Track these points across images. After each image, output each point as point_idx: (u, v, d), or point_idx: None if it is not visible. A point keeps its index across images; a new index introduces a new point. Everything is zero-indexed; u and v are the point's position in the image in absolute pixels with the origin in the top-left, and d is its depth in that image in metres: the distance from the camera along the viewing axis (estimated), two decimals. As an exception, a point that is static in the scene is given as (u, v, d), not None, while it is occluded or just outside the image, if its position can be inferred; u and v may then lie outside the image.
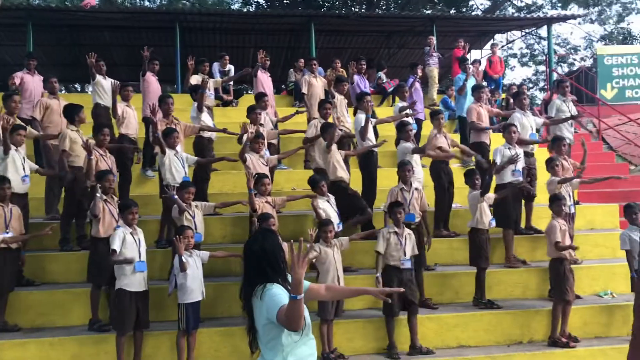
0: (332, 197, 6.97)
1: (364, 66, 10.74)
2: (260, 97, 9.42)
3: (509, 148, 7.78)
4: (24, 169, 6.98)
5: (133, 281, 5.77)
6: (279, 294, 2.99)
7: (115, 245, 5.69)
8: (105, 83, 9.35)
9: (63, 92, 8.89)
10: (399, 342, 6.27)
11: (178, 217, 6.47)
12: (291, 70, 14.02)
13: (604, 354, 6.48)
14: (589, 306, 7.03)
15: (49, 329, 6.27)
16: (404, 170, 7.06)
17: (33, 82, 9.64)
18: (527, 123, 8.44)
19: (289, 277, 3.04)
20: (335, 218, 6.70)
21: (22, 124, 7.58)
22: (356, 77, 10.50)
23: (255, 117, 8.33)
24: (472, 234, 7.17)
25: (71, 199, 7.24)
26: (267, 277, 3.07)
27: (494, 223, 7.19)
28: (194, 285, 5.83)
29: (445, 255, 7.75)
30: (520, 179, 7.71)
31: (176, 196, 6.42)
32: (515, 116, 8.50)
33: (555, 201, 6.86)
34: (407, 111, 8.87)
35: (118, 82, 8.66)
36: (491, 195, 7.33)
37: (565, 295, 6.52)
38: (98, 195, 6.22)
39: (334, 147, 7.50)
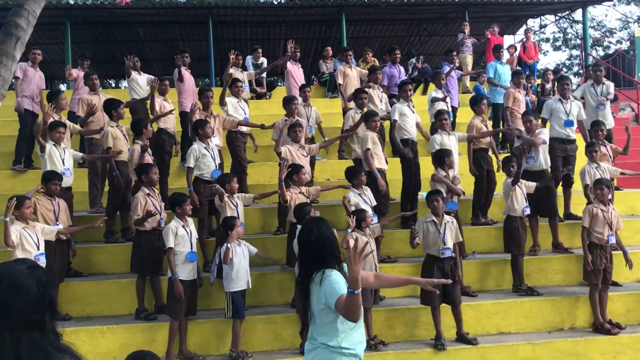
0: (368, 190, 6.92)
1: (399, 56, 10.69)
2: (300, 88, 9.60)
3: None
4: (63, 163, 7.16)
5: (184, 270, 5.94)
6: (338, 281, 3.09)
7: (170, 242, 5.88)
8: (141, 79, 9.55)
9: (99, 88, 9.29)
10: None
11: (220, 205, 6.60)
12: (321, 61, 14.04)
13: (647, 340, 6.41)
14: (631, 293, 6.95)
15: (97, 318, 6.49)
16: (443, 159, 7.09)
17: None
18: (561, 109, 8.19)
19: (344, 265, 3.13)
20: (369, 211, 6.64)
21: (62, 121, 7.78)
22: (386, 69, 10.53)
23: (292, 108, 8.39)
24: (506, 221, 7.18)
25: (116, 192, 7.44)
26: (325, 263, 3.18)
27: (528, 210, 7.14)
28: (240, 274, 5.96)
29: (483, 243, 7.74)
30: (538, 164, 7.65)
31: (217, 185, 6.56)
32: (548, 102, 8.36)
33: (595, 185, 6.78)
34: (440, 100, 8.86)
35: (155, 78, 8.82)
36: (531, 183, 7.28)
37: (591, 279, 6.49)
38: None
39: (376, 136, 7.54)
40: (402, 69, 10.76)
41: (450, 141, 7.61)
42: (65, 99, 8.16)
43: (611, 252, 6.68)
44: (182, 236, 5.96)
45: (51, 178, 6.50)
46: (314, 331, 3.25)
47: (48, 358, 1.95)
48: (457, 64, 11.39)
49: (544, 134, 7.85)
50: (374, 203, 6.92)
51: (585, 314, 6.69)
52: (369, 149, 7.36)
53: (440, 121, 7.76)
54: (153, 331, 6.15)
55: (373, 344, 6.09)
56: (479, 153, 8.14)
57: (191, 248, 6.00)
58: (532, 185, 7.26)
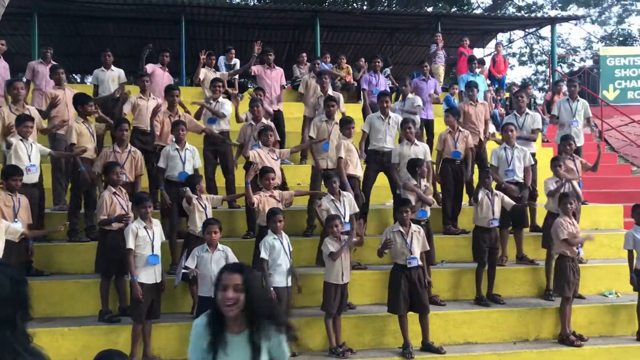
0: (346, 195, 6.80)
1: (379, 64, 10.61)
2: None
3: (505, 148, 7.84)
4: (29, 159, 6.91)
5: (145, 273, 5.75)
6: None
7: (130, 244, 5.68)
8: (108, 74, 9.39)
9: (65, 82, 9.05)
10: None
11: (188, 207, 6.49)
12: (294, 65, 13.97)
13: (608, 352, 6.55)
14: (594, 305, 7.10)
15: (59, 319, 6.27)
16: (415, 169, 7.09)
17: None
18: (515, 125, 8.23)
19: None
20: (344, 217, 6.57)
21: (29, 114, 7.50)
22: (366, 76, 10.53)
23: (255, 110, 8.32)
24: (474, 231, 7.26)
25: (77, 190, 7.22)
26: None
27: (496, 223, 7.19)
28: (205, 280, 5.72)
29: (452, 252, 7.79)
30: (515, 179, 7.72)
31: (187, 189, 6.45)
32: (506, 118, 8.48)
33: (562, 199, 6.90)
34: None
35: (122, 84, 8.58)
36: (510, 201, 7.30)
37: (563, 291, 6.59)
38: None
39: (351, 143, 7.51)
40: (382, 77, 10.63)
41: (411, 151, 7.57)
42: (18, 88, 7.50)
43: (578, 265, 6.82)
44: (142, 238, 5.76)
45: (11, 174, 6.26)
46: None
47: (17, 358, 1.91)
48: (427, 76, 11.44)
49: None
50: (349, 212, 6.76)
51: (550, 326, 6.80)
52: (341, 158, 7.32)
53: (404, 130, 7.76)
54: (116, 333, 5.98)
55: (341, 351, 6.06)
56: (446, 164, 8.19)
57: (152, 251, 5.80)
58: (510, 203, 7.28)
